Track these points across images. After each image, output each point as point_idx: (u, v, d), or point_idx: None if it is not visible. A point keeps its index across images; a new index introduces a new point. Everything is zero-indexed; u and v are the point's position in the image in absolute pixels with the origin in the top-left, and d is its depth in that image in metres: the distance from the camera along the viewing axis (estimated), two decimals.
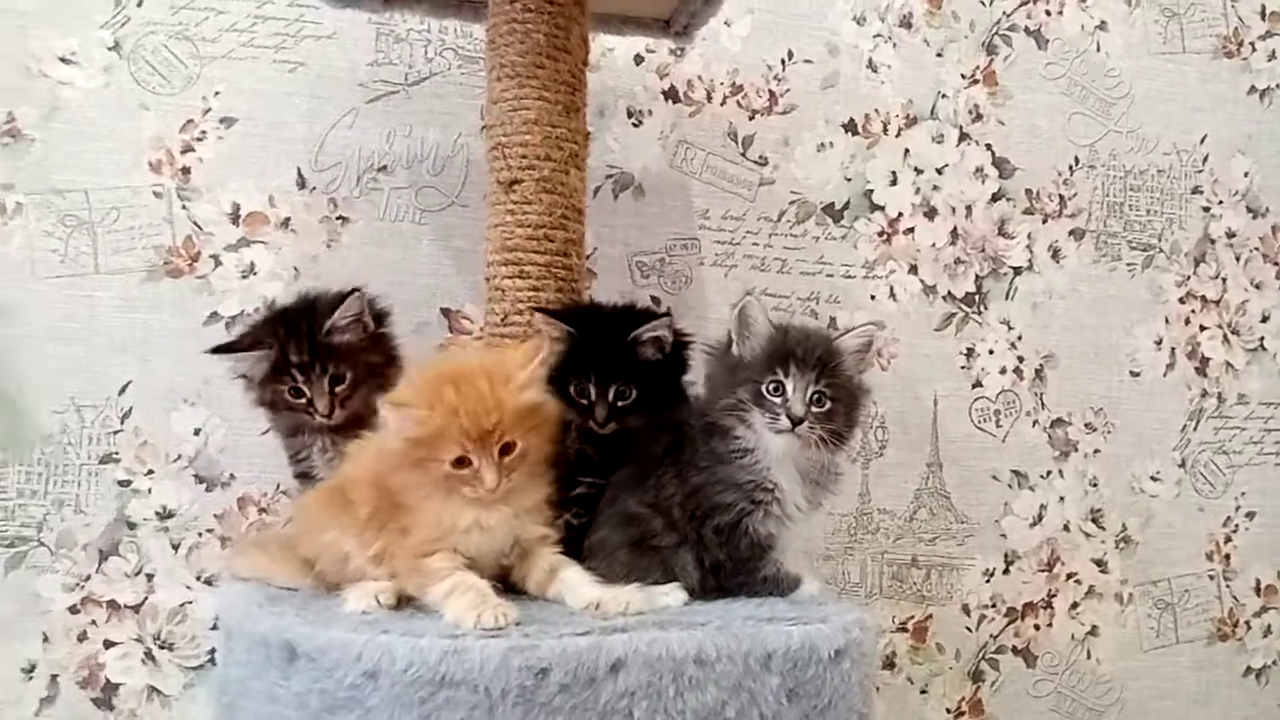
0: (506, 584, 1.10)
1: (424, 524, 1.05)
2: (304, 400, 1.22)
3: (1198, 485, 2.01)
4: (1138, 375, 1.99)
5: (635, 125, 1.79)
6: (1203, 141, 2.05)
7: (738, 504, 1.13)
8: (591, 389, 1.19)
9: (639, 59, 1.79)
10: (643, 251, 1.77)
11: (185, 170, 1.62)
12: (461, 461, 1.03)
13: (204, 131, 1.62)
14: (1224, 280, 2.04)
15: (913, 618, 1.86)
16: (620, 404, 1.19)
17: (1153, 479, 1.99)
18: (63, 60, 1.58)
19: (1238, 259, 2.05)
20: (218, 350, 1.27)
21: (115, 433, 1.58)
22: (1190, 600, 2.00)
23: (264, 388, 1.25)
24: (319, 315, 1.24)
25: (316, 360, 1.21)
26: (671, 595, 1.11)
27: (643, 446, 1.19)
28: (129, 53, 1.61)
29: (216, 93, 1.63)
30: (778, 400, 1.10)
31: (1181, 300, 2.02)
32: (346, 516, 1.11)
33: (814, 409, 1.09)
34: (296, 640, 0.98)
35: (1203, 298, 2.03)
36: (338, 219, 1.67)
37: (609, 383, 1.19)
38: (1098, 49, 2.00)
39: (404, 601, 1.06)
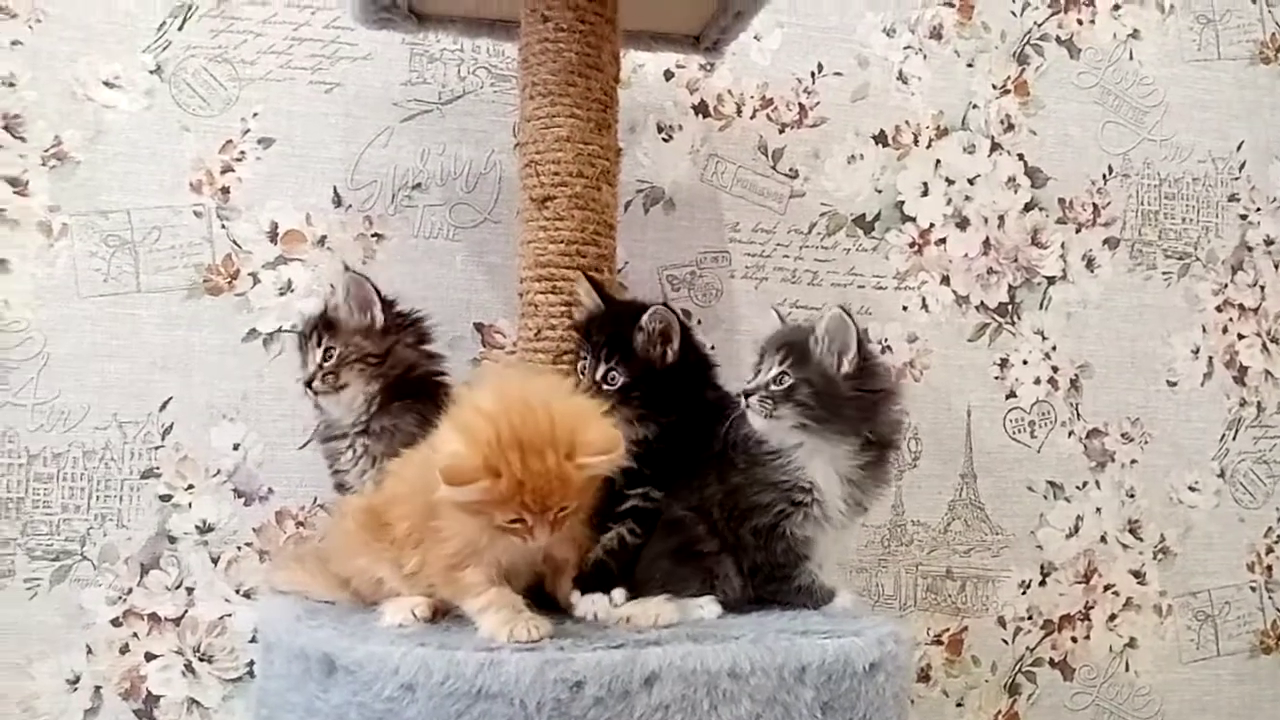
0: (541, 591, 1.11)
1: (460, 533, 1.05)
2: (304, 363, 1.33)
3: (1237, 495, 1.99)
4: (1175, 385, 1.97)
5: (666, 140, 1.80)
6: (1239, 148, 2.03)
7: (776, 505, 1.15)
8: (588, 362, 1.24)
9: (669, 74, 1.80)
10: (674, 265, 1.78)
11: (225, 190, 1.65)
12: (516, 520, 1.01)
13: (243, 152, 1.65)
14: (1262, 288, 2.02)
15: (948, 630, 1.85)
16: (606, 386, 1.21)
17: (1191, 489, 1.97)
18: (107, 84, 1.62)
19: (1276, 266, 2.03)
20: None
21: (156, 448, 1.60)
22: (1231, 612, 1.97)
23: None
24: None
25: (315, 328, 1.32)
26: (706, 608, 1.12)
27: (688, 453, 1.21)
28: (170, 76, 1.64)
29: (255, 114, 1.66)
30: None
31: (1219, 309, 2.00)
32: (378, 541, 1.12)
33: (773, 387, 1.14)
34: (335, 653, 0.99)
35: (1240, 306, 2.00)
36: (373, 236, 1.69)
37: (600, 360, 1.22)
38: (1130, 57, 1.99)
39: (439, 615, 1.07)
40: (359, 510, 1.19)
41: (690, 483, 1.19)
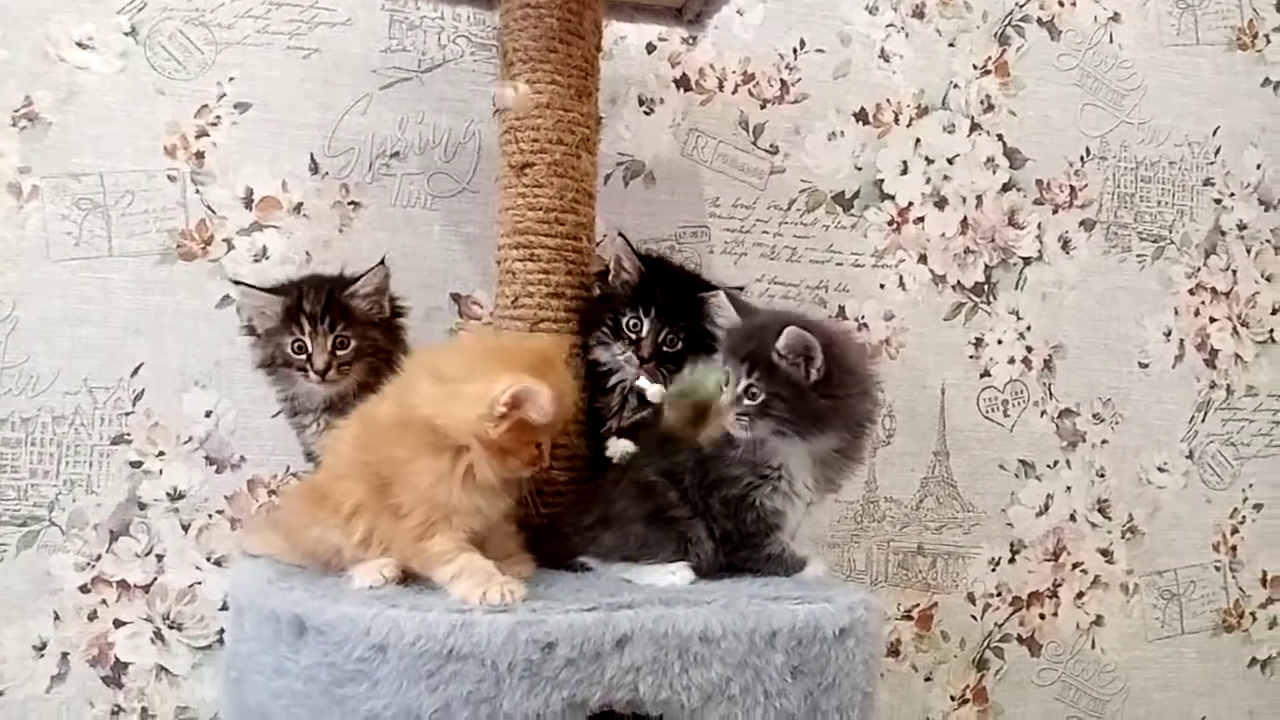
0: None
1: (420, 504, 1.05)
2: (304, 355, 1.26)
3: (1205, 477, 2.01)
4: (1146, 366, 1.99)
5: (647, 113, 1.79)
6: (1215, 134, 2.04)
7: (744, 478, 1.15)
8: (644, 324, 1.28)
9: (651, 47, 1.79)
10: (653, 239, 1.77)
11: (199, 155, 1.63)
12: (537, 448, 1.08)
13: (218, 117, 1.64)
14: (1234, 272, 2.04)
15: (918, 605, 1.87)
16: (665, 349, 1.27)
17: (1160, 470, 1.99)
18: (80, 45, 1.59)
19: (1249, 251, 2.05)
20: (239, 283, 1.34)
21: (127, 414, 1.59)
22: (1196, 591, 2.00)
23: (269, 340, 1.29)
24: (345, 281, 1.31)
25: (328, 314, 1.26)
26: (679, 573, 1.13)
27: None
28: (145, 38, 1.62)
29: (231, 78, 1.64)
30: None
31: (1191, 292, 2.02)
32: (323, 512, 1.11)
33: (746, 402, 1.12)
34: (306, 614, 0.99)
35: (1213, 289, 2.03)
36: (350, 204, 1.68)
37: (664, 325, 1.27)
38: (1110, 40, 2.00)
39: (410, 576, 1.07)
40: (303, 489, 1.19)
41: (662, 446, 1.19)
